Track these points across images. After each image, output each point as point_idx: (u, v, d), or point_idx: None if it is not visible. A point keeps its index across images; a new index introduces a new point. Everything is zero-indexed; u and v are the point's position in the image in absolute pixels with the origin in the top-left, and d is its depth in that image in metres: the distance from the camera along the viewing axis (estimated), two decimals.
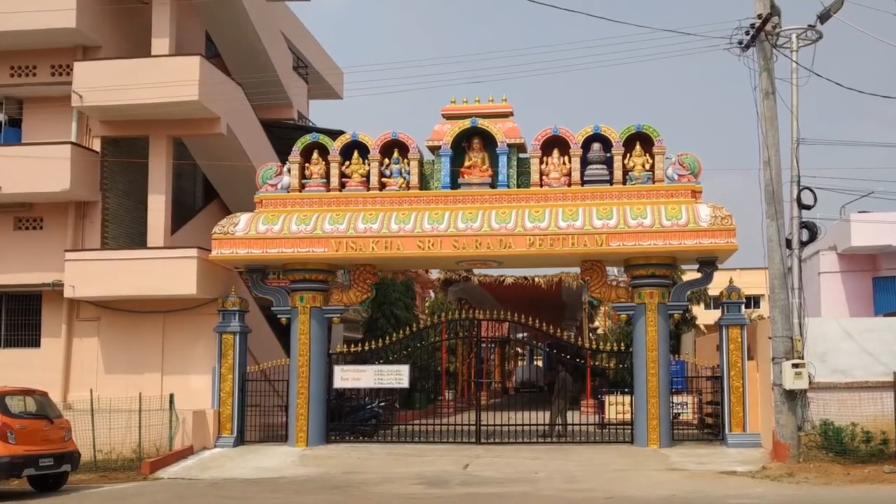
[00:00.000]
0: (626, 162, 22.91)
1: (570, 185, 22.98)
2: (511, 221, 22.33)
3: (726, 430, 22.36)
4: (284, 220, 23.07)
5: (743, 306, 23.18)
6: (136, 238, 25.99)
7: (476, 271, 36.99)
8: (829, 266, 27.97)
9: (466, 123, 23.48)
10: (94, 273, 23.87)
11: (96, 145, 25.47)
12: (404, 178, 23.54)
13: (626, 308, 23.17)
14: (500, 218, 22.45)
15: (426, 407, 31.47)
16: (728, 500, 16.16)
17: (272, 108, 29.91)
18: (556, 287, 37.06)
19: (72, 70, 24.69)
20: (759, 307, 60.97)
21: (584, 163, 23.11)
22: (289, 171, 23.92)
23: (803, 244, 21.48)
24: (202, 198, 29.55)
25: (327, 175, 23.83)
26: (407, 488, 18.12)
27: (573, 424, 25.38)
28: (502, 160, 23.28)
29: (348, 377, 24.04)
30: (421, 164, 23.74)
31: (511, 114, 23.93)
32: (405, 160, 23.63)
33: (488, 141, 23.52)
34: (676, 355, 25.93)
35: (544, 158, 23.20)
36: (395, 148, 23.73)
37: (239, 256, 23.27)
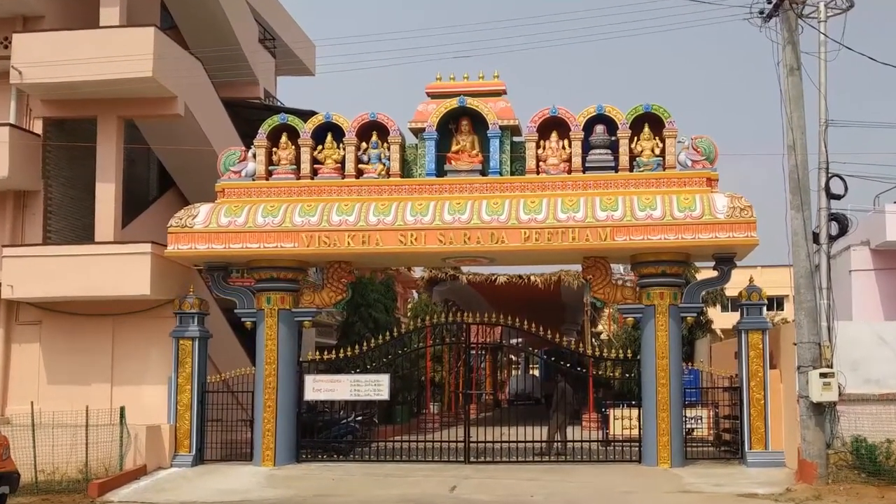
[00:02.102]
0: (633, 146, 22.83)
1: (570, 172, 22.90)
2: (504, 213, 22.23)
3: (746, 448, 22.31)
4: (249, 212, 22.94)
5: (764, 308, 23.11)
6: (82, 232, 25.86)
7: (465, 269, 36.96)
8: (862, 263, 27.91)
9: (454, 103, 23.37)
10: (36, 271, 23.67)
11: (38, 127, 25.32)
12: (384, 165, 23.44)
13: (633, 310, 23.07)
14: (492, 209, 22.35)
15: (409, 422, 31.36)
16: None
17: (236, 85, 29.80)
18: (555, 287, 37.03)
19: (10, 43, 24.48)
20: (782, 309, 61.12)
21: (586, 147, 23.03)
22: (254, 156, 23.80)
23: (832, 238, 21.44)
24: (157, 187, 29.46)
25: (297, 161, 23.72)
26: None
27: (574, 441, 25.28)
28: (494, 144, 23.18)
29: (321, 388, 23.97)
30: (402, 148, 23.63)
31: (504, 92, 23.85)
32: (385, 144, 23.52)
33: (478, 123, 23.42)
34: (690, 363, 25.85)
35: (541, 142, 23.10)
36: (373, 130, 23.61)
37: (198, 252, 23.12)
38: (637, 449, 23.13)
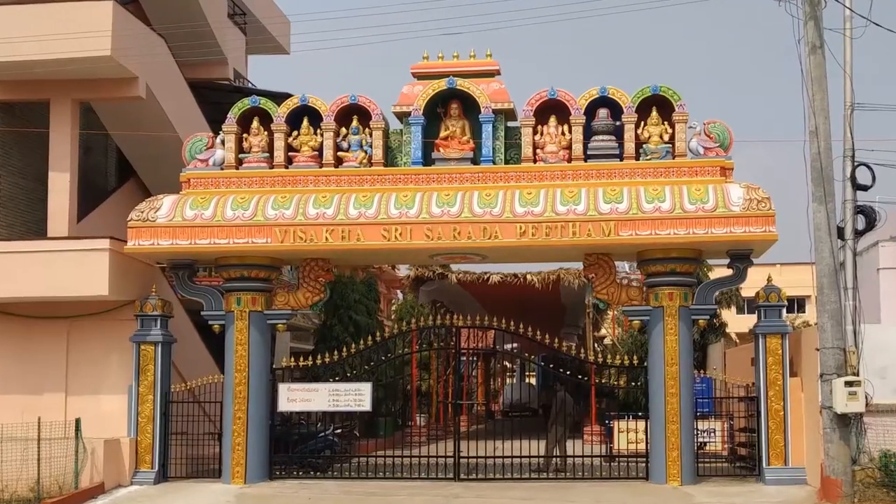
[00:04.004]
0: (639, 132, 22.80)
1: (570, 160, 22.85)
2: (497, 205, 22.16)
3: (763, 464, 22.29)
4: (217, 204, 22.85)
5: (784, 310, 23.13)
6: (34, 226, 25.86)
7: (454, 267, 36.88)
8: (891, 260, 27.86)
9: (442, 84, 23.33)
10: None
11: None
12: (365, 152, 23.39)
13: (639, 312, 23.05)
14: (484, 201, 22.29)
15: (393, 435, 31.32)
16: None
17: (203, 65, 29.87)
18: (554, 287, 36.99)
19: None
20: (804, 311, 61.24)
21: (588, 133, 22.99)
22: (223, 143, 23.76)
23: (859, 233, 21.39)
24: (116, 177, 29.46)
25: (270, 148, 23.68)
26: None
27: (574, 456, 25.24)
28: (487, 130, 23.13)
29: (297, 398, 23.92)
30: (386, 134, 23.60)
31: (497, 73, 23.81)
32: (367, 130, 23.48)
33: (469, 106, 23.38)
34: (702, 371, 25.81)
35: (539, 128, 23.07)
36: (354, 115, 23.58)
37: (161, 248, 23.02)
38: (644, 465, 23.11)
